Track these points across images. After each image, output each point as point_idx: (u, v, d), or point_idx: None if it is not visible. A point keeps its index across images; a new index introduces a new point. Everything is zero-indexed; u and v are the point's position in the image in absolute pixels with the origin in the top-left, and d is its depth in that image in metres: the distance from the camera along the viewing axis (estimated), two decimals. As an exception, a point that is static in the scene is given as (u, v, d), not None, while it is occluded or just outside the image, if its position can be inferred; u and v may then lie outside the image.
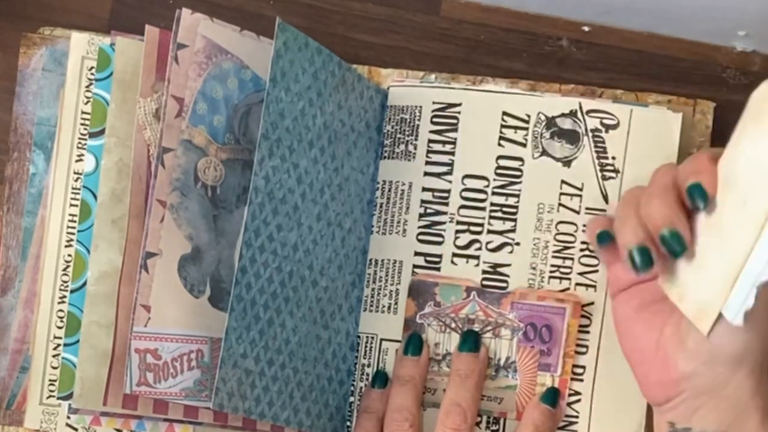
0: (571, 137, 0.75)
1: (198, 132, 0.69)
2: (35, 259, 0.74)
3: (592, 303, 0.74)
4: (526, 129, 0.75)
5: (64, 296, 0.73)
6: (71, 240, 0.73)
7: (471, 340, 0.73)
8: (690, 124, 0.76)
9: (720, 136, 0.77)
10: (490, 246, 0.75)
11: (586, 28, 0.79)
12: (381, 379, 0.74)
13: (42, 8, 0.77)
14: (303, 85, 0.70)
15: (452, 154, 0.75)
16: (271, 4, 0.79)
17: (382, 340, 0.75)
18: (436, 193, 0.75)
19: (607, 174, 0.74)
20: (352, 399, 0.75)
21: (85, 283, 0.70)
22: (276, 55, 0.67)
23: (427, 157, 0.76)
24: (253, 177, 0.66)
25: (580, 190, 0.74)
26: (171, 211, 0.68)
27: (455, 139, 0.75)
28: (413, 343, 0.74)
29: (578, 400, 0.74)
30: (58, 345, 0.73)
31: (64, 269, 0.73)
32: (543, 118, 0.75)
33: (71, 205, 0.73)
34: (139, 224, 0.70)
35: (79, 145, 0.74)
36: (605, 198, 0.74)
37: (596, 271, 0.74)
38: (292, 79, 0.69)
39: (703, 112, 0.77)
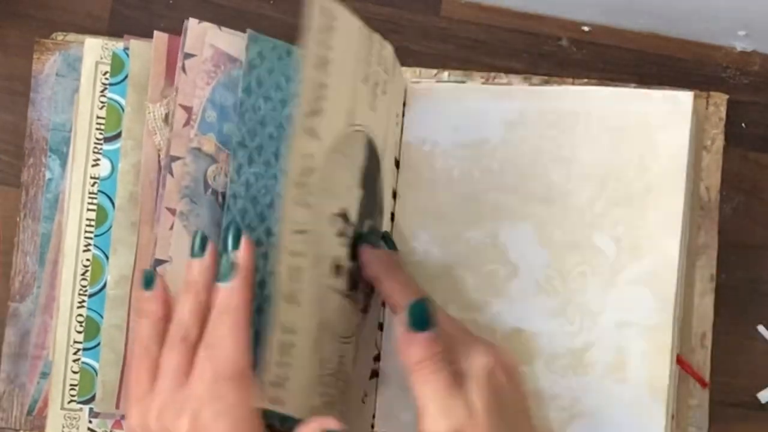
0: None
1: (207, 139, 0.69)
2: (53, 265, 0.74)
3: None
4: None
5: (83, 301, 0.73)
6: (89, 245, 0.72)
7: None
8: (704, 116, 0.76)
9: (733, 129, 0.77)
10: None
11: (586, 28, 0.79)
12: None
13: (42, 8, 0.77)
14: (287, 93, 0.69)
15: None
16: (271, 3, 0.78)
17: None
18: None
19: None
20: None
21: (103, 287, 0.70)
22: (249, 66, 0.67)
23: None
24: (230, 184, 0.66)
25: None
26: (181, 218, 0.68)
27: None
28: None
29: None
30: (78, 350, 0.73)
31: (83, 274, 0.73)
32: None
33: (88, 209, 0.73)
34: (149, 229, 0.70)
35: (95, 150, 0.73)
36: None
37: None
38: (273, 87, 0.68)
39: (716, 105, 0.77)
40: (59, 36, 0.76)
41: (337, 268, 0.68)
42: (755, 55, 0.79)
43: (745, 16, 0.76)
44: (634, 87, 0.77)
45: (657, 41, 0.79)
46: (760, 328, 0.77)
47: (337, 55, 0.65)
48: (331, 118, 0.65)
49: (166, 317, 0.64)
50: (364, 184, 0.70)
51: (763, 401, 0.77)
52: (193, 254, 0.65)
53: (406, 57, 0.79)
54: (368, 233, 0.70)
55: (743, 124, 0.78)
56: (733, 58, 0.79)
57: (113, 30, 0.76)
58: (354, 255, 0.69)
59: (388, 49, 0.71)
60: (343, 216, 0.68)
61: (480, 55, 0.79)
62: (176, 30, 0.72)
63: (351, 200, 0.69)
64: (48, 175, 0.74)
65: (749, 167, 0.78)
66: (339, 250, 0.68)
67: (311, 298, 0.65)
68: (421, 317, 0.62)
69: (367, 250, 0.68)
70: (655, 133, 0.73)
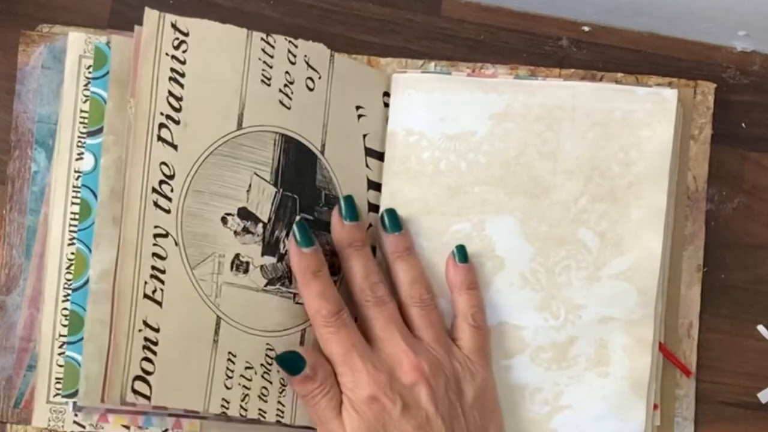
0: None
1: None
2: (39, 257, 0.74)
3: None
4: None
5: (68, 294, 0.73)
6: (73, 239, 0.72)
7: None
8: (691, 105, 0.77)
9: (721, 117, 0.77)
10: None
11: (586, 28, 0.79)
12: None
13: (42, 8, 0.77)
14: None
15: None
16: (271, 4, 0.79)
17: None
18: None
19: None
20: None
21: (86, 282, 0.70)
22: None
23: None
24: None
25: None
26: None
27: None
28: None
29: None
30: (64, 343, 0.73)
31: (68, 268, 0.73)
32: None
33: (72, 203, 0.73)
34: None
35: (79, 144, 0.73)
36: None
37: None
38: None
39: (703, 93, 0.77)
40: (45, 28, 0.76)
41: (239, 266, 0.70)
42: (755, 55, 0.79)
43: (745, 16, 0.76)
44: (622, 76, 0.77)
45: (657, 41, 0.79)
46: (760, 328, 0.77)
47: (196, 67, 0.70)
48: (195, 127, 0.69)
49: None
50: (283, 181, 0.71)
51: (763, 401, 0.77)
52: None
53: (406, 57, 0.79)
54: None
55: (743, 124, 0.78)
56: (733, 58, 0.79)
57: (112, 29, 0.76)
58: (273, 251, 0.71)
59: (309, 47, 0.73)
60: (242, 215, 0.70)
61: (480, 55, 0.79)
62: (176, 30, 0.72)
63: (255, 199, 0.70)
64: (34, 167, 0.74)
65: (749, 167, 0.78)
66: (241, 249, 0.70)
67: (177, 298, 0.68)
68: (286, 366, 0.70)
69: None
70: (640, 130, 0.74)
